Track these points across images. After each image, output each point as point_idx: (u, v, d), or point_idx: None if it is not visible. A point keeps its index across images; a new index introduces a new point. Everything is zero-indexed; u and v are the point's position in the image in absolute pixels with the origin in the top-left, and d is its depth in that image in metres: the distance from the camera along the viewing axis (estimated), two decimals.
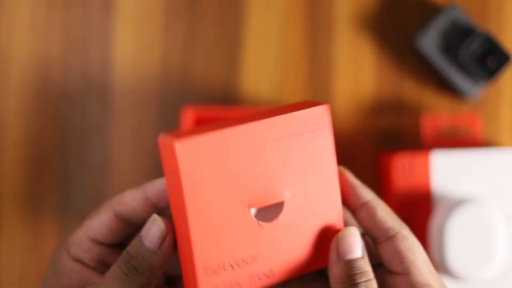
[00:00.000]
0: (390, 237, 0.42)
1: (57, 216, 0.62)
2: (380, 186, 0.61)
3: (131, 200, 0.43)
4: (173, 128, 0.63)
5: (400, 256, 0.42)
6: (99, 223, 0.43)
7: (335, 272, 0.41)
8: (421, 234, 0.57)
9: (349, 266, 0.40)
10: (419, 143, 0.63)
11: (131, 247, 0.41)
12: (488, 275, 0.55)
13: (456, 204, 0.56)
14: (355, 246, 0.41)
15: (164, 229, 0.41)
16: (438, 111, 0.63)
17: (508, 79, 0.63)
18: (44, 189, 0.62)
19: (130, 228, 0.44)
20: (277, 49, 0.63)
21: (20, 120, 0.62)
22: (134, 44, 0.62)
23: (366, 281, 0.40)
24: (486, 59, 0.60)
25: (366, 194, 0.43)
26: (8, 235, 0.62)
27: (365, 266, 0.41)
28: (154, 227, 0.41)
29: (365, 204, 0.42)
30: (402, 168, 0.57)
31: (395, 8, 0.63)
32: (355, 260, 0.41)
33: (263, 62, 0.63)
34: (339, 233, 0.42)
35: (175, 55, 0.62)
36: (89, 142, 0.62)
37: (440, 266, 0.56)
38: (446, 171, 0.57)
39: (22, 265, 0.62)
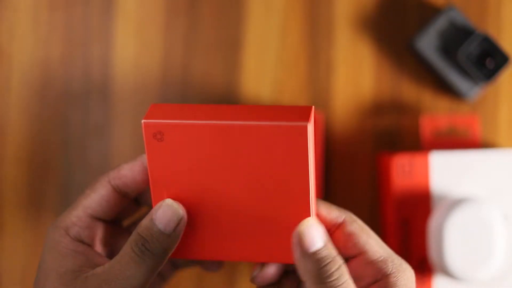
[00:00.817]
0: (339, 225, 0.42)
1: (59, 215, 0.62)
2: (380, 187, 0.62)
3: (130, 171, 0.43)
4: None
5: (352, 238, 0.42)
6: (98, 199, 0.43)
7: (304, 267, 0.40)
8: (420, 234, 0.57)
9: (317, 259, 0.40)
10: (418, 144, 0.63)
11: (144, 230, 0.41)
12: (487, 275, 0.55)
13: (454, 204, 0.56)
14: (316, 237, 0.40)
15: (181, 215, 0.41)
16: (437, 112, 0.63)
17: (506, 80, 0.63)
18: (46, 189, 0.62)
19: (126, 202, 0.45)
20: (277, 50, 0.63)
21: (21, 121, 0.62)
22: (134, 45, 0.63)
23: (338, 268, 0.40)
24: (485, 60, 0.60)
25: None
26: (10, 235, 0.62)
27: (332, 253, 0.40)
28: (169, 212, 0.41)
29: None
30: (402, 169, 0.57)
31: (394, 9, 0.63)
32: (320, 250, 0.40)
33: (263, 62, 0.63)
34: (297, 228, 0.41)
35: (175, 55, 0.63)
36: (90, 142, 0.62)
37: (439, 266, 0.56)
38: (445, 171, 0.57)
39: (23, 265, 0.62)
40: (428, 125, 0.61)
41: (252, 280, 0.45)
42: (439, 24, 0.61)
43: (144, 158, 0.43)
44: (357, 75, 0.63)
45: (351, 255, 0.42)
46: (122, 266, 0.40)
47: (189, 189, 0.42)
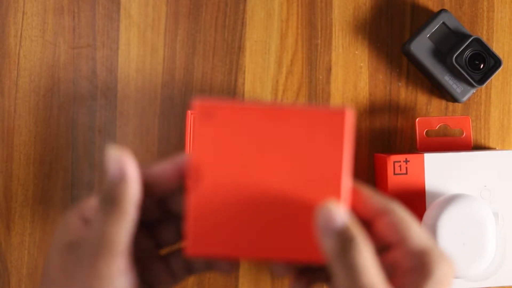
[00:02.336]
0: (381, 212, 0.41)
1: None
2: (376, 187, 0.62)
3: (159, 166, 0.41)
4: (177, 130, 0.63)
5: (393, 227, 0.40)
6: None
7: (325, 245, 0.39)
8: None
9: (338, 236, 0.38)
10: (413, 145, 0.63)
11: (102, 188, 0.39)
12: (479, 270, 0.55)
13: (446, 201, 0.56)
14: (338, 214, 0.39)
15: (122, 158, 0.39)
16: (430, 114, 0.63)
17: (498, 83, 0.64)
18: (53, 188, 0.62)
19: (149, 201, 0.42)
20: (276, 53, 0.63)
21: (29, 122, 0.62)
22: (138, 48, 0.63)
23: (360, 246, 0.38)
24: (477, 64, 0.60)
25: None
26: (18, 232, 0.62)
27: (355, 231, 0.39)
28: (112, 159, 0.39)
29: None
30: (397, 170, 0.57)
31: (389, 14, 0.64)
32: (342, 228, 0.39)
33: (263, 65, 0.63)
34: (320, 206, 0.40)
35: (178, 59, 0.63)
36: (96, 143, 0.62)
37: None
38: (438, 172, 0.57)
39: (31, 262, 0.62)
40: (422, 126, 0.61)
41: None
42: (432, 28, 0.61)
43: (177, 158, 0.41)
44: (353, 78, 0.63)
45: (390, 243, 0.41)
46: (93, 227, 0.39)
47: (229, 177, 0.41)
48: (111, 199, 0.39)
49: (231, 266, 0.46)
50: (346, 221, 0.39)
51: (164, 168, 0.41)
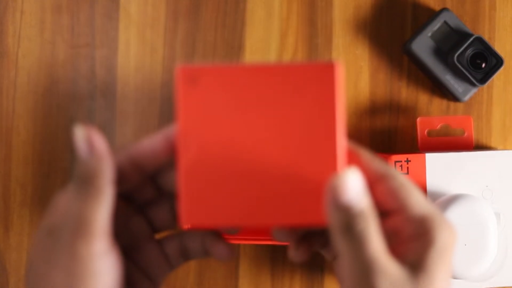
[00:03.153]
0: (379, 179, 0.40)
1: None
2: None
3: (149, 141, 0.39)
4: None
5: (392, 194, 0.40)
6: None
7: (332, 215, 0.38)
8: None
9: (346, 208, 0.37)
10: (414, 145, 0.63)
11: (75, 167, 0.38)
12: (480, 271, 0.55)
13: (447, 201, 0.56)
14: (350, 187, 0.38)
15: (90, 135, 0.38)
16: (432, 113, 0.63)
17: (500, 83, 0.63)
18: (52, 189, 0.62)
19: (140, 178, 0.41)
20: (276, 52, 0.63)
21: (27, 122, 0.62)
22: (137, 47, 0.63)
23: (366, 218, 0.37)
24: (479, 63, 0.60)
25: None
26: (17, 233, 0.62)
27: (363, 205, 0.37)
28: (79, 138, 0.38)
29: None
30: (398, 170, 0.57)
31: (390, 13, 0.63)
32: (352, 200, 0.37)
33: None
34: (332, 178, 0.38)
35: (178, 58, 0.63)
36: None
37: None
38: (440, 172, 0.57)
39: None
40: (423, 126, 0.61)
41: (292, 258, 0.44)
42: (433, 27, 0.61)
43: (167, 130, 0.40)
44: (354, 77, 0.63)
45: (390, 210, 0.40)
46: (66, 205, 0.38)
47: (219, 142, 0.39)
48: (84, 178, 0.37)
49: (228, 252, 0.45)
50: (356, 195, 0.38)
51: (154, 141, 0.40)
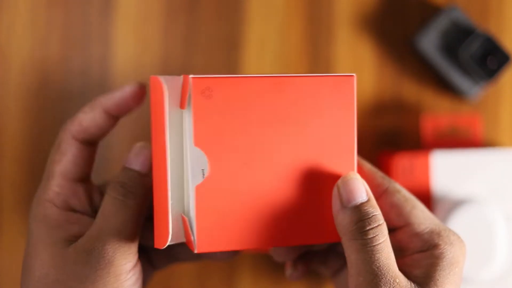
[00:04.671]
0: (382, 193, 0.40)
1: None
2: None
3: (92, 121, 0.42)
4: None
5: (397, 209, 0.40)
6: (72, 160, 0.41)
7: (341, 221, 0.38)
8: None
9: (355, 213, 0.38)
10: (419, 143, 0.63)
11: (120, 177, 0.40)
12: (489, 275, 0.55)
13: (456, 204, 0.56)
14: (359, 190, 0.38)
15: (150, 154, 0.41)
16: (438, 111, 0.63)
17: (508, 79, 0.63)
18: None
19: (95, 151, 0.44)
20: (277, 49, 0.63)
21: (20, 120, 0.62)
22: (134, 43, 0.62)
23: (376, 226, 0.37)
24: (486, 59, 0.60)
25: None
26: (9, 235, 0.62)
27: (373, 210, 0.38)
28: (145, 151, 0.41)
29: None
30: (402, 169, 0.57)
31: (395, 8, 0.63)
32: (361, 205, 0.38)
33: (263, 61, 0.62)
34: (340, 179, 0.39)
35: (175, 55, 0.62)
36: None
37: None
38: (446, 171, 0.57)
39: (21, 265, 0.62)
40: (429, 124, 0.61)
41: (289, 278, 0.45)
42: (440, 23, 0.61)
43: (99, 100, 0.43)
44: (358, 74, 0.63)
45: (395, 226, 0.40)
46: (105, 216, 0.39)
47: (232, 154, 0.38)
48: (135, 188, 0.40)
49: (231, 255, 0.46)
50: (367, 196, 0.38)
51: (94, 117, 0.42)
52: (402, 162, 0.57)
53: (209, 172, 0.38)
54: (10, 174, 0.62)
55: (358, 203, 0.38)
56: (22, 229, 0.62)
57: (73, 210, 0.41)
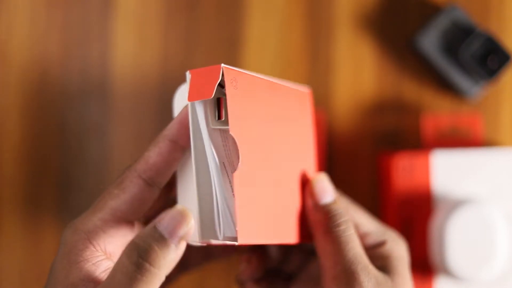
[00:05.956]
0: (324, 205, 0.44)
1: (57, 216, 0.62)
2: (380, 186, 0.61)
3: (159, 157, 0.38)
4: None
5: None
6: (129, 199, 0.38)
7: (314, 217, 0.42)
8: (421, 235, 0.57)
9: (327, 210, 0.42)
10: (420, 143, 0.62)
11: (142, 237, 0.34)
12: (489, 275, 0.55)
13: (456, 204, 0.55)
14: (328, 190, 0.43)
15: (190, 223, 0.35)
16: (438, 111, 0.63)
17: (508, 79, 0.63)
18: (44, 189, 0.62)
19: (156, 194, 0.39)
20: (277, 48, 0.62)
21: (19, 120, 0.62)
22: (134, 43, 0.62)
23: (346, 220, 0.42)
24: (487, 59, 0.60)
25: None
26: (8, 235, 0.62)
27: (341, 206, 0.43)
28: (178, 217, 0.34)
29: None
30: (402, 168, 0.57)
31: (396, 8, 0.63)
32: (331, 203, 0.42)
33: (263, 61, 0.62)
34: (312, 180, 0.43)
35: (175, 54, 0.62)
36: (89, 142, 0.62)
37: (440, 266, 0.55)
38: (446, 171, 0.57)
39: (22, 265, 0.62)
40: (429, 124, 0.60)
41: (241, 275, 0.46)
42: (441, 23, 0.61)
43: (162, 134, 0.39)
44: (358, 73, 0.62)
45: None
46: (115, 283, 0.34)
47: (257, 146, 0.39)
48: (154, 262, 0.34)
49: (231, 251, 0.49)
50: (335, 198, 0.43)
51: (161, 152, 0.39)
52: (402, 162, 0.57)
53: (243, 160, 0.37)
54: (9, 174, 0.62)
55: (328, 201, 0.42)
56: (21, 230, 0.62)
57: (105, 252, 0.37)
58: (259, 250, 0.47)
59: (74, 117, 0.62)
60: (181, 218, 0.35)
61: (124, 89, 0.62)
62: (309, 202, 0.43)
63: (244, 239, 0.36)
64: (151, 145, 0.39)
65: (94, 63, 0.62)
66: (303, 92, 0.46)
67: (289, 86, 0.44)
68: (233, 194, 0.37)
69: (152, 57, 0.62)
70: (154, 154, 0.38)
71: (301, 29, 0.62)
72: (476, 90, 0.61)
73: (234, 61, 0.62)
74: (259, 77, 0.40)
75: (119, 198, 0.38)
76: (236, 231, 0.37)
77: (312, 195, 0.43)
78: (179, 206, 0.35)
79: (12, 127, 0.62)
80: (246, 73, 0.39)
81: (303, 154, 0.44)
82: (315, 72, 0.62)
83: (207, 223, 0.38)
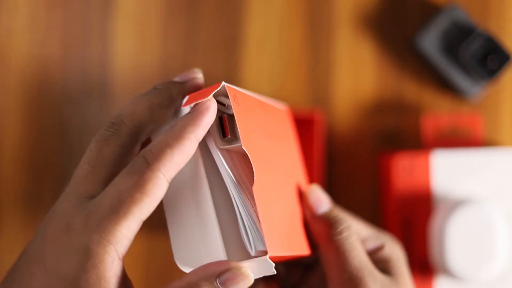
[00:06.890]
0: (322, 215, 0.44)
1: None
2: (380, 186, 0.61)
3: (184, 154, 0.35)
4: None
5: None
6: (153, 203, 0.35)
7: (314, 227, 0.43)
8: (422, 235, 0.57)
9: (326, 218, 0.43)
10: (420, 143, 0.62)
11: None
12: (489, 275, 0.55)
13: (456, 204, 0.55)
14: (323, 199, 0.44)
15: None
16: (438, 111, 0.63)
17: (508, 79, 0.63)
18: (44, 189, 0.62)
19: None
20: (277, 49, 0.62)
21: (19, 120, 0.62)
22: (134, 43, 0.62)
23: (347, 226, 0.42)
24: (487, 59, 0.60)
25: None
26: (8, 235, 0.62)
27: (339, 213, 0.43)
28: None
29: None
30: (402, 168, 0.57)
31: (396, 8, 0.63)
32: (328, 211, 0.43)
33: (263, 61, 0.62)
34: (307, 191, 0.44)
35: (175, 54, 0.62)
36: (89, 142, 0.62)
37: (440, 266, 0.55)
38: (446, 171, 0.57)
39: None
40: (429, 124, 0.60)
41: None
42: (441, 23, 0.61)
43: (191, 133, 0.35)
44: (358, 74, 0.62)
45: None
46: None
47: (263, 160, 0.39)
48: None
49: None
50: (330, 206, 0.44)
51: (185, 150, 0.35)
52: (402, 162, 0.57)
53: (257, 174, 0.37)
54: (9, 175, 0.62)
55: (325, 210, 0.43)
56: (21, 230, 0.62)
57: (121, 256, 0.35)
58: (275, 279, 0.48)
59: (74, 117, 0.62)
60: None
61: (124, 89, 0.62)
62: (307, 214, 0.44)
63: (273, 251, 0.36)
64: (169, 138, 0.35)
65: (94, 63, 0.62)
66: (281, 109, 0.47)
67: (270, 103, 0.44)
68: (255, 209, 0.37)
69: (152, 57, 0.62)
70: (178, 152, 0.35)
71: (301, 29, 0.62)
72: (476, 90, 0.61)
73: (234, 62, 0.62)
74: (250, 95, 0.40)
75: (143, 202, 0.35)
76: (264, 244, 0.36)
77: (308, 206, 0.43)
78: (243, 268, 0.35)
79: (13, 127, 0.62)
80: (241, 91, 0.39)
81: (295, 167, 0.45)
82: (315, 72, 0.62)
83: (231, 246, 0.37)
